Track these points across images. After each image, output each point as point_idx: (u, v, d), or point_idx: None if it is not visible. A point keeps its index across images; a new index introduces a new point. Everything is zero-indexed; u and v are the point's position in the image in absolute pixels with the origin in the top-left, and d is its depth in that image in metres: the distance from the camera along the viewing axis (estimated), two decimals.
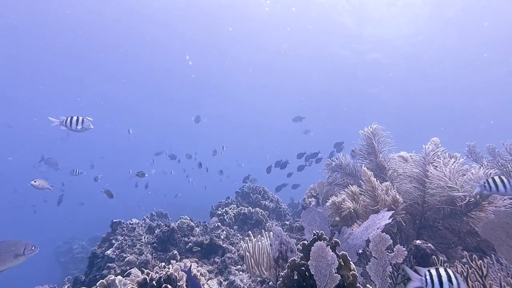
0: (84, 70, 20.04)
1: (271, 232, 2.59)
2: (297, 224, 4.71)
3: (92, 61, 19.26)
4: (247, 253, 2.66)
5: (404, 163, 3.20)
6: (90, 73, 20.60)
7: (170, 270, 2.05)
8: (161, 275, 2.02)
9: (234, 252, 3.73)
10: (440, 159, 2.53)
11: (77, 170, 6.01)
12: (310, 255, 1.53)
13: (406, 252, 1.40)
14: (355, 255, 2.25)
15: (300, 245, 1.97)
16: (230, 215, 4.95)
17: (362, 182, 2.85)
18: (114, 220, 3.70)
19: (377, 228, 1.87)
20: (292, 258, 1.96)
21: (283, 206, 6.24)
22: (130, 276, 2.25)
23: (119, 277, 2.11)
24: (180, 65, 20.64)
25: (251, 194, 6.08)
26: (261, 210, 4.95)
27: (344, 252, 1.64)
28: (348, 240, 2.27)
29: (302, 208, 4.71)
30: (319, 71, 20.26)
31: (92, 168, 11.13)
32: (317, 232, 1.86)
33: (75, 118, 2.37)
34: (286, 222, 5.29)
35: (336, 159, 3.62)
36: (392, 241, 1.47)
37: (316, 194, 4.71)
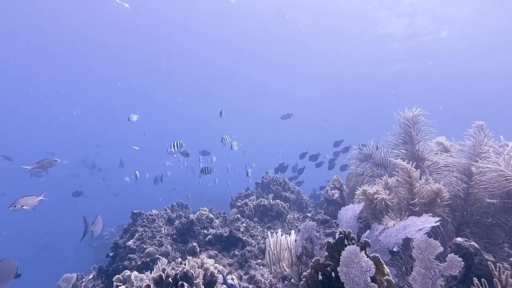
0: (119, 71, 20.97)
1: (299, 227, 2.41)
2: (320, 217, 4.50)
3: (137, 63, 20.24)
4: (268, 248, 2.50)
5: (444, 152, 2.85)
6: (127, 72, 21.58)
7: (186, 266, 1.95)
8: (177, 271, 1.92)
9: (254, 245, 3.61)
10: (490, 148, 2.17)
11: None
12: (341, 260, 1.33)
13: (461, 262, 1.16)
14: (387, 254, 2.01)
15: (325, 244, 1.77)
16: (250, 206, 4.84)
17: (395, 173, 2.57)
18: (135, 211, 3.71)
19: (420, 230, 1.61)
20: (316, 258, 1.77)
21: (304, 198, 6.03)
22: (153, 270, 2.18)
23: (135, 272, 2.05)
24: (202, 61, 20.82)
25: (271, 185, 5.92)
26: (281, 202, 4.77)
27: (376, 255, 1.42)
28: (380, 238, 2.03)
29: (324, 200, 4.47)
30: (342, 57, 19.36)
31: (121, 167, 11.52)
32: (343, 231, 1.65)
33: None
34: (308, 214, 5.08)
35: (365, 148, 3.32)
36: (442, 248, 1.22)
37: (339, 185, 4.44)
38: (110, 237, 10.98)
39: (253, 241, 3.69)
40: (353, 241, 1.58)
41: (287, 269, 2.40)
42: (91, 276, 3.40)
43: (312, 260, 1.77)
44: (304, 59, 20.04)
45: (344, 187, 4.42)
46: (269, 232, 4.31)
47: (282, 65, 21.35)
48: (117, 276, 2.07)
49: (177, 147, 3.45)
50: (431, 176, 2.47)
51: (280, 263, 2.42)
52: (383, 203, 2.58)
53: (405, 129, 2.82)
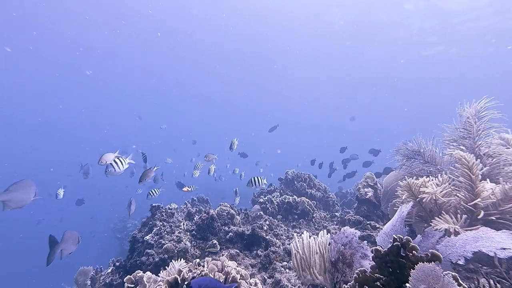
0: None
1: (328, 227, 2.08)
2: (350, 217, 4.10)
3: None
4: (295, 251, 2.20)
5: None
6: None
7: (205, 269, 1.69)
8: (195, 275, 1.67)
9: (279, 245, 3.31)
10: None
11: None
12: (413, 280, 1.00)
13: None
14: (449, 267, 1.63)
15: (373, 252, 1.44)
16: (273, 203, 4.54)
17: (450, 170, 2.14)
18: (154, 204, 3.56)
19: (504, 250, 1.23)
20: (361, 269, 1.44)
21: (331, 196, 5.63)
22: (165, 271, 1.97)
23: (148, 273, 1.84)
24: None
25: (295, 182, 5.58)
26: (307, 200, 4.43)
27: (455, 274, 1.06)
28: (439, 247, 1.65)
29: (355, 199, 4.06)
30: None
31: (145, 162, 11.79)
32: (400, 237, 1.30)
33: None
34: (336, 214, 4.69)
35: (412, 143, 2.88)
36: None
37: (373, 183, 4.01)
38: (133, 229, 11.23)
39: (277, 241, 3.40)
40: (413, 251, 1.23)
41: (319, 277, 2.08)
42: (109, 270, 3.30)
43: (356, 271, 1.44)
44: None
45: (379, 185, 3.99)
46: (295, 232, 4.00)
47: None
48: (128, 276, 1.88)
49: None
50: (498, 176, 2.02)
51: (311, 269, 2.11)
52: (433, 200, 2.17)
53: (465, 124, 2.36)
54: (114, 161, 2.79)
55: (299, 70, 22.40)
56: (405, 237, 1.25)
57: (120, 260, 3.19)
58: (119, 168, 2.81)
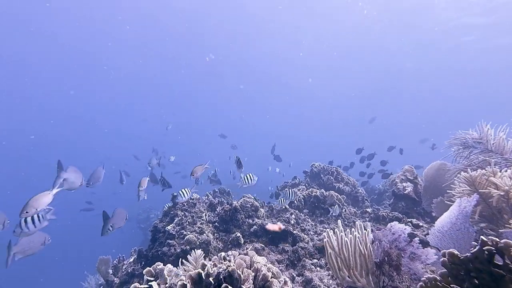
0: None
1: (363, 224, 1.79)
2: (384, 213, 3.74)
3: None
4: (331, 250, 1.92)
5: None
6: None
7: (231, 265, 1.48)
8: (220, 270, 1.46)
9: (308, 241, 3.05)
10: None
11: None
12: None
13: None
14: None
15: (446, 255, 1.13)
16: (299, 197, 4.27)
17: None
18: (175, 193, 3.42)
19: None
20: (430, 277, 1.14)
21: (360, 191, 5.25)
22: (186, 264, 1.78)
23: (169, 266, 1.66)
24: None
25: (321, 175, 5.26)
26: (336, 194, 4.11)
27: None
28: None
29: (392, 195, 3.69)
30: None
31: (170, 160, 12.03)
32: (494, 241, 0.98)
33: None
34: (368, 210, 4.32)
35: (476, 130, 2.47)
36: None
37: (413, 177, 3.61)
38: (156, 219, 11.44)
39: (305, 236, 3.14)
40: None
41: (361, 279, 1.80)
42: (131, 260, 3.22)
43: (423, 279, 1.15)
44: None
45: (419, 179, 3.58)
46: (323, 228, 3.71)
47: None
48: (147, 269, 1.71)
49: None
50: None
51: (351, 270, 1.83)
52: (506, 198, 1.79)
53: None
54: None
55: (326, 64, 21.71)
56: (503, 241, 0.94)
57: (141, 250, 3.08)
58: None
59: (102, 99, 28.16)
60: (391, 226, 1.88)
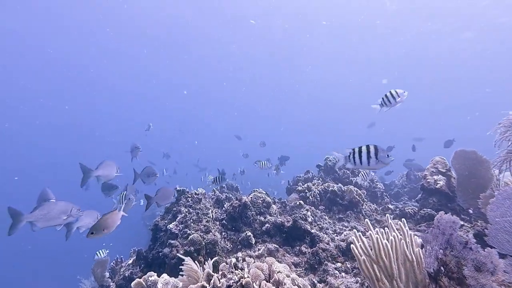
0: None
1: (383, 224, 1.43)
2: (410, 210, 3.33)
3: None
4: (364, 256, 1.55)
5: None
6: None
7: (245, 275, 1.11)
8: (231, 282, 1.10)
9: (328, 241, 2.68)
10: None
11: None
12: None
13: None
14: None
15: None
16: (314, 192, 3.89)
17: None
18: (178, 188, 3.09)
19: None
20: None
21: (378, 186, 4.84)
22: (187, 271, 1.43)
23: (165, 276, 1.32)
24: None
25: (337, 169, 4.86)
26: (356, 189, 3.72)
27: None
28: None
29: (421, 189, 3.27)
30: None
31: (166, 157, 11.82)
32: None
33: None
34: (390, 206, 3.92)
35: None
36: None
37: (445, 170, 3.19)
38: None
39: (325, 235, 2.77)
40: None
41: None
42: (130, 261, 2.90)
43: None
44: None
45: (453, 172, 3.16)
46: (348, 226, 3.32)
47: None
48: (137, 280, 1.36)
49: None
50: None
51: (394, 281, 1.46)
52: None
53: None
54: None
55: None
56: None
57: (141, 251, 2.77)
58: None
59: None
60: (438, 222, 1.50)
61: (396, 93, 2.14)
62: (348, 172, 4.73)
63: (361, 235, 1.66)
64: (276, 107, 31.39)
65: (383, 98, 2.24)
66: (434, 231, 1.36)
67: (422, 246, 1.42)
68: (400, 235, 1.51)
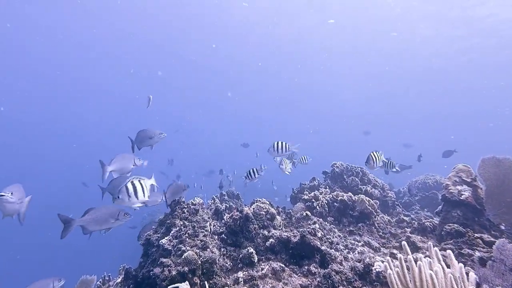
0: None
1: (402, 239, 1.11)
2: (429, 224, 3.02)
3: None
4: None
5: None
6: None
7: None
8: None
9: (340, 260, 2.36)
10: None
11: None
12: None
13: None
14: None
15: None
16: (322, 201, 3.58)
17: None
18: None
19: None
20: None
21: (390, 194, 4.51)
22: None
23: None
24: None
25: (345, 176, 4.55)
26: (368, 199, 3.40)
27: None
28: None
29: (442, 200, 2.95)
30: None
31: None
32: None
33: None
34: (404, 218, 3.60)
35: None
36: None
37: (471, 179, 2.87)
38: None
39: (337, 253, 2.45)
40: None
41: None
42: (119, 280, 2.59)
43: None
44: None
45: (479, 182, 2.84)
46: (361, 241, 3.00)
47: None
48: None
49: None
50: None
51: None
52: None
53: None
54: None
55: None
56: None
57: (129, 270, 2.46)
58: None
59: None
60: (500, 253, 1.19)
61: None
62: (356, 179, 4.42)
63: (391, 260, 1.36)
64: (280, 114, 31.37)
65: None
66: (496, 267, 1.05)
67: (478, 286, 1.11)
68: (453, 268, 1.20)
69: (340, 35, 17.07)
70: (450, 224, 2.54)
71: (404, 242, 1.41)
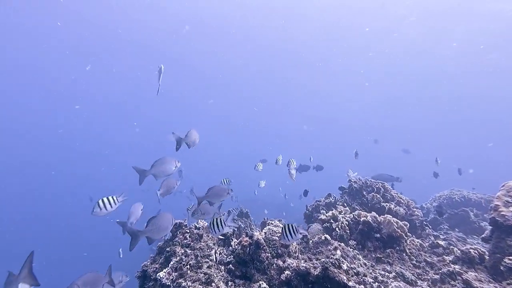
0: None
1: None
2: (476, 252, 2.56)
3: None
4: None
5: None
6: None
7: None
8: None
9: None
10: None
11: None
12: None
13: None
14: None
15: None
16: (342, 223, 3.16)
17: None
18: (175, 221, 2.45)
19: None
20: None
21: (417, 213, 4.04)
22: None
23: None
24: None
25: (364, 192, 4.12)
26: (396, 220, 2.98)
27: None
28: None
29: (492, 225, 2.50)
30: None
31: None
32: None
33: None
34: (440, 242, 3.12)
35: None
36: None
37: None
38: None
39: None
40: None
41: None
42: None
43: None
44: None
45: None
46: (392, 271, 2.55)
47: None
48: None
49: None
50: None
51: None
52: None
53: None
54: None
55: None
56: None
57: None
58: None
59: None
60: None
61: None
62: (378, 196, 3.98)
63: None
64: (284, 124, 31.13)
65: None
66: None
67: None
68: None
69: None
70: (510, 258, 2.09)
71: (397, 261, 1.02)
